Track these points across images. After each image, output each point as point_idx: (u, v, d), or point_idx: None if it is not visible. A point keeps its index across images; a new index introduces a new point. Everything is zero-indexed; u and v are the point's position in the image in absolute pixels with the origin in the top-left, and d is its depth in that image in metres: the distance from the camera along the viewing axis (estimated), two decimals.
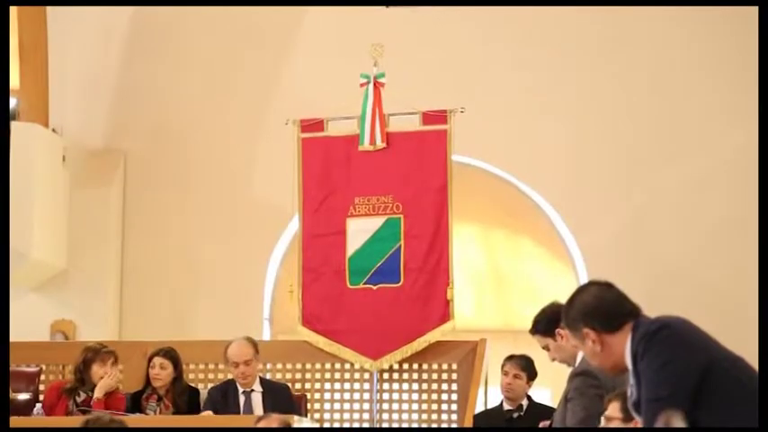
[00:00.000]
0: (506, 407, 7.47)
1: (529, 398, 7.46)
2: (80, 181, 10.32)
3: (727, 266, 9.70)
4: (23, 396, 8.06)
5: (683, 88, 9.99)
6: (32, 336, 9.30)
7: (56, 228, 10.11)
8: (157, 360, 7.71)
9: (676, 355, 3.67)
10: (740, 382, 3.67)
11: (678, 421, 2.23)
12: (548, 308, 5.39)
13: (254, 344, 7.78)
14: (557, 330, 5.23)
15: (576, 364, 5.23)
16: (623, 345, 3.76)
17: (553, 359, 5.50)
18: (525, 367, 7.42)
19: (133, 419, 7.36)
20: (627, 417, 4.38)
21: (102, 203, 10.32)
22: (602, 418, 4.58)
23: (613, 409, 4.52)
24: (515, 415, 7.37)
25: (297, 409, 7.78)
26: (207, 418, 7.29)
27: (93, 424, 6.49)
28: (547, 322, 5.35)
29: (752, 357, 3.87)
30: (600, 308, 3.85)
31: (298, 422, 7.58)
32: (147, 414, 7.54)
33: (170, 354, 7.73)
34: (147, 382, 7.75)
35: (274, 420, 6.60)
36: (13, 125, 8.93)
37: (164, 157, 10.49)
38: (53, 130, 10.30)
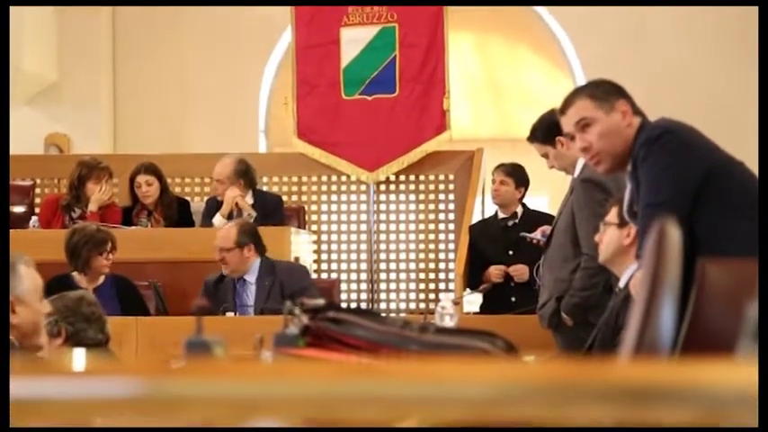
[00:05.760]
0: (501, 215, 7.47)
1: (524, 205, 7.45)
2: None
3: (728, 74, 9.60)
4: (19, 209, 8.09)
5: None
6: (26, 149, 9.26)
7: (45, 38, 9.95)
8: (142, 178, 7.66)
9: (677, 159, 3.63)
10: (740, 187, 3.65)
11: (674, 229, 2.18)
12: (546, 115, 5.32)
13: (238, 165, 7.51)
14: (557, 138, 5.17)
15: (576, 172, 5.19)
16: (634, 133, 3.73)
17: (551, 167, 5.46)
18: (511, 173, 7.38)
19: (132, 231, 7.41)
20: (622, 222, 4.37)
21: (92, 13, 10.13)
22: (601, 224, 4.57)
23: (611, 215, 4.51)
24: (510, 223, 7.37)
25: (284, 219, 7.75)
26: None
27: (81, 231, 6.58)
28: (545, 129, 5.28)
29: (750, 165, 3.82)
30: (627, 92, 3.84)
31: (294, 234, 7.61)
32: None
33: (152, 168, 7.68)
34: (134, 199, 7.73)
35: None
36: None
37: None
38: None
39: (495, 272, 7.22)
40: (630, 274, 4.30)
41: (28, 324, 3.54)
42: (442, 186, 8.68)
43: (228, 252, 6.56)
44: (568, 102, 3.89)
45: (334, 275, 8.70)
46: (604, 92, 3.83)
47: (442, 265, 8.66)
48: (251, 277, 6.64)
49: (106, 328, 4.43)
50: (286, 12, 8.72)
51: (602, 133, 3.78)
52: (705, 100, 9.42)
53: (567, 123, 3.88)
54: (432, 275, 8.68)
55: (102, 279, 6.54)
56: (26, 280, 3.55)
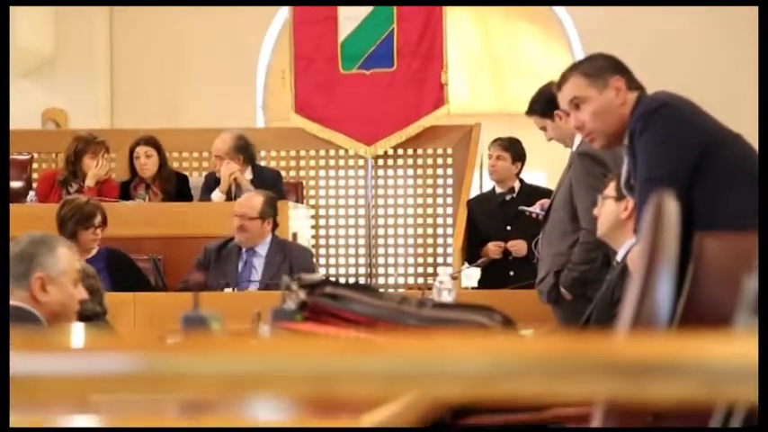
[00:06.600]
0: (498, 190, 7.48)
1: (521, 180, 7.46)
2: None
3: (726, 45, 9.57)
4: (16, 184, 8.09)
5: None
6: (23, 124, 9.24)
7: (41, 13, 9.91)
8: (141, 150, 7.64)
9: (675, 133, 3.62)
10: (739, 161, 3.64)
11: (671, 203, 2.17)
12: (545, 88, 5.31)
13: (237, 141, 7.47)
14: (555, 112, 5.16)
15: (575, 146, 5.19)
16: (630, 110, 3.71)
17: (550, 139, 5.46)
18: (508, 148, 7.39)
19: (130, 206, 7.41)
20: (619, 196, 4.36)
21: None
22: (599, 198, 4.57)
23: (609, 189, 4.51)
24: (508, 197, 7.38)
25: (283, 194, 7.73)
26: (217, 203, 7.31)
27: (70, 204, 6.57)
28: (544, 103, 5.28)
29: (748, 137, 3.81)
30: (625, 66, 3.82)
31: (293, 208, 7.60)
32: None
33: (152, 141, 7.66)
34: (133, 172, 7.71)
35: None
36: None
37: None
38: None
39: (493, 248, 7.22)
40: (628, 248, 4.29)
41: (57, 305, 3.54)
42: (440, 161, 8.68)
43: (251, 221, 6.46)
44: (563, 78, 3.89)
45: (332, 250, 8.70)
46: (599, 68, 3.81)
47: (440, 240, 8.66)
48: (262, 249, 6.55)
49: (104, 300, 4.47)
50: None
51: (594, 112, 3.77)
52: (703, 71, 9.39)
53: (562, 100, 3.88)
54: (430, 250, 8.67)
55: (93, 252, 6.48)
56: (63, 262, 3.55)
